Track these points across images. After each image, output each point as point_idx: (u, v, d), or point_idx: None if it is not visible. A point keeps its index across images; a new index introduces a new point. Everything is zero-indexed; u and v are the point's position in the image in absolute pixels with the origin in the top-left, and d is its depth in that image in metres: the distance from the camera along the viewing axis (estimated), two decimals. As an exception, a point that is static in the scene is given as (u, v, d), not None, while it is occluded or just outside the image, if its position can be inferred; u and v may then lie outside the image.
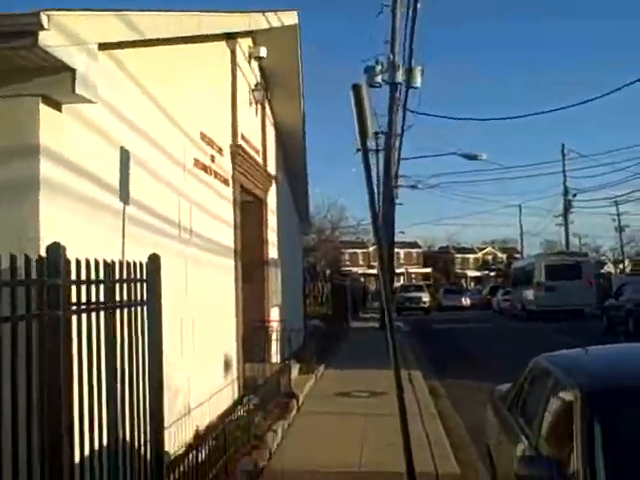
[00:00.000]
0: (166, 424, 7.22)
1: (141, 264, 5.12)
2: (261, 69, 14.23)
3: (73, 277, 4.14)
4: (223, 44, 11.36)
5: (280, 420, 9.58)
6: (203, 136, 9.82)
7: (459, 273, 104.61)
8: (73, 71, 5.16)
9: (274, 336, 13.89)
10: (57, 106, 5.45)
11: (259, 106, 14.20)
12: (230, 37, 11.55)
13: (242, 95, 12.44)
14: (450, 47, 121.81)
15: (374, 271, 75.90)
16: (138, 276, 5.04)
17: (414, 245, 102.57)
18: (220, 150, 10.79)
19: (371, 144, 38.71)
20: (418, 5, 22.65)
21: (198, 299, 9.29)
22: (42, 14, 4.68)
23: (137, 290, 4.99)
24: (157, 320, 5.04)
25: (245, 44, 12.77)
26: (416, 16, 23.48)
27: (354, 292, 40.12)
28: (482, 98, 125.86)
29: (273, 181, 15.35)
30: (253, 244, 14.06)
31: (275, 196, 16.20)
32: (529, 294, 37.35)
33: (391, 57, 26.47)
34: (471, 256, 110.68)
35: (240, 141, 12.14)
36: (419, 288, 52.34)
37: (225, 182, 11.09)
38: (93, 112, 6.03)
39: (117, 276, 4.70)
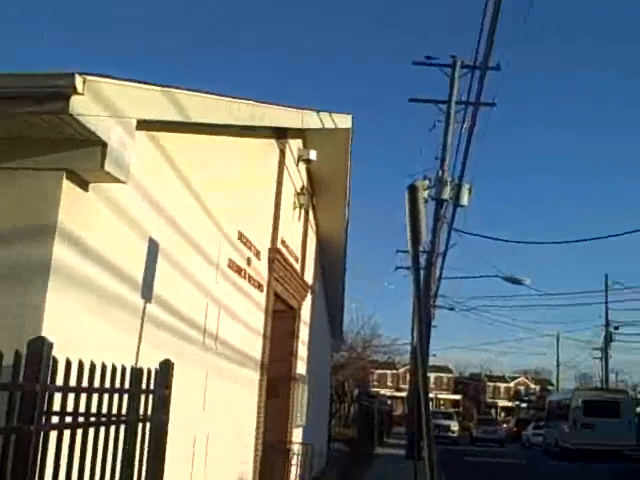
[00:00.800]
0: None
1: (149, 372, 4.37)
2: (308, 173, 13.84)
3: (60, 382, 3.41)
4: (273, 142, 10.97)
5: None
6: (241, 236, 9.25)
7: (490, 402, 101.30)
8: (104, 145, 4.61)
9: (294, 460, 12.81)
10: (83, 184, 4.89)
11: (302, 211, 13.72)
12: (280, 136, 11.17)
13: (286, 198, 11.96)
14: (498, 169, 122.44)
15: (402, 394, 73.68)
16: (144, 386, 4.29)
17: (445, 369, 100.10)
18: (257, 253, 10.19)
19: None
20: (475, 128, 22.41)
21: (216, 414, 8.45)
22: (77, 76, 4.17)
23: (141, 403, 4.22)
24: (161, 442, 4.25)
25: (295, 145, 12.40)
26: (472, 135, 23.32)
27: (381, 415, 38.54)
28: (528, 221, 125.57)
29: (309, 291, 14.67)
30: (281, 357, 13.23)
31: (310, 307, 15.48)
32: (565, 430, 35.52)
33: (440, 173, 26.17)
34: (503, 385, 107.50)
35: (279, 246, 11.56)
36: (448, 416, 50.31)
37: (259, 287, 10.43)
38: (123, 194, 5.46)
39: (118, 384, 3.96)
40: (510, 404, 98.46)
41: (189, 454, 7.52)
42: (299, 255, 13.81)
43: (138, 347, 5.99)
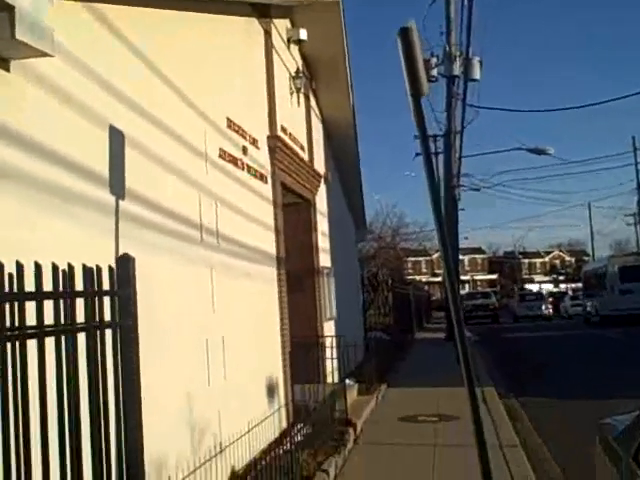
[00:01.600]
0: (191, 467, 5.79)
1: (111, 270, 3.64)
2: (303, 56, 12.78)
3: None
4: (254, 22, 9.93)
5: (333, 456, 8.01)
6: (231, 123, 8.38)
7: (526, 278, 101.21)
8: (11, 8, 3.75)
9: (328, 353, 12.31)
10: (1, 62, 4.05)
11: (302, 97, 12.73)
12: (262, 14, 10.13)
13: (280, 83, 10.98)
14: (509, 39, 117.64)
15: (438, 279, 73.70)
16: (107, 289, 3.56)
17: (478, 251, 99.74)
18: (254, 141, 9.34)
19: (429, 145, 37.02)
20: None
21: (230, 315, 7.83)
22: None
23: (102, 307, 3.51)
24: (131, 349, 3.56)
25: (282, 26, 11.34)
26: (472, 4, 21.77)
27: (418, 301, 38.28)
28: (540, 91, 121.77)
29: (322, 181, 13.84)
30: (301, 251, 12.58)
31: (325, 198, 14.70)
32: (603, 298, 35.00)
33: (447, 48, 24.71)
34: (538, 260, 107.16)
35: (280, 133, 10.68)
36: (486, 295, 50.08)
37: (262, 179, 9.62)
38: (62, 75, 4.63)
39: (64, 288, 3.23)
40: (547, 278, 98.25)
41: (202, 360, 6.93)
42: (305, 144, 12.92)
43: (117, 249, 5.28)
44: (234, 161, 8.39)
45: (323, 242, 13.87)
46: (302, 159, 11.99)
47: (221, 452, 6.74)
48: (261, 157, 9.65)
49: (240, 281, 8.31)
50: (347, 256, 18.18)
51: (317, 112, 14.36)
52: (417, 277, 70.28)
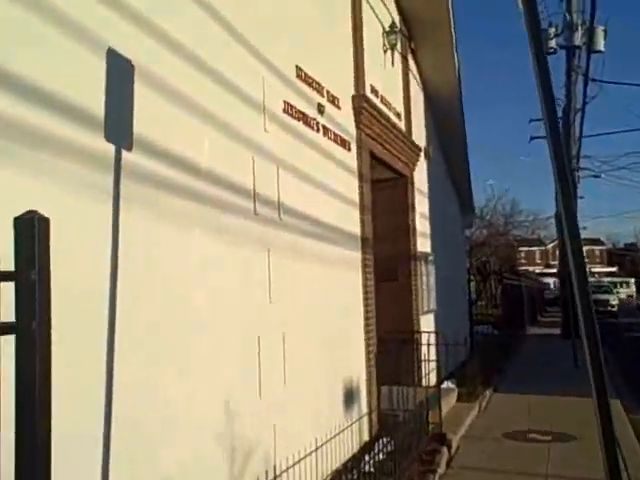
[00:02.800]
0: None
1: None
2: (400, 10, 11.09)
3: None
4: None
5: (420, 484, 6.39)
6: (301, 73, 6.85)
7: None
8: None
9: (425, 352, 10.63)
10: None
11: (399, 57, 11.06)
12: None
13: (371, 36, 9.37)
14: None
15: (553, 270, 69.91)
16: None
17: (597, 242, 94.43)
18: (334, 100, 7.78)
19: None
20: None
21: (294, 306, 6.34)
22: None
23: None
24: (38, 359, 2.07)
25: (375, -28, 9.69)
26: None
27: (531, 293, 35.70)
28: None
29: (421, 155, 12.12)
30: (395, 233, 10.94)
31: (426, 175, 12.96)
32: None
33: (567, 16, 22.26)
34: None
35: (369, 94, 9.08)
36: (606, 289, 46.59)
37: (344, 145, 8.05)
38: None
39: None
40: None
41: (251, 364, 5.46)
42: (402, 111, 11.24)
43: (115, 224, 3.86)
44: (305, 120, 6.86)
45: (422, 225, 12.16)
46: (397, 127, 10.33)
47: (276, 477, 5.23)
48: (343, 119, 8.08)
49: (309, 265, 6.78)
50: (451, 242, 16.35)
51: (417, 77, 12.62)
52: (530, 267, 66.83)
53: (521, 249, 58.90)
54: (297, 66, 6.76)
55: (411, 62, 11.99)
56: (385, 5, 10.20)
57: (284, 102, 6.39)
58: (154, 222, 4.29)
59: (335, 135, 7.73)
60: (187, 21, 4.86)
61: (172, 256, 4.47)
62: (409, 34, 11.67)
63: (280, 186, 6.13)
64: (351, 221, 8.26)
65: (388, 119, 9.78)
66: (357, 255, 8.42)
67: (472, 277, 23.21)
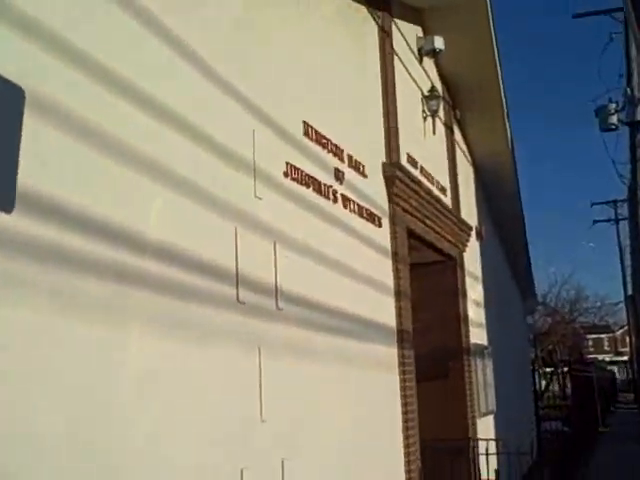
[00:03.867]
0: None
1: None
2: (442, 76, 9.81)
3: None
4: (363, 10, 7.12)
5: None
6: (310, 131, 5.50)
7: None
8: None
9: (482, 463, 8.80)
10: None
11: (442, 126, 9.71)
12: (376, 5, 7.33)
13: (407, 100, 8.06)
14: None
15: (623, 358, 65.74)
16: None
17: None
18: (358, 166, 6.40)
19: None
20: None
21: (299, 423, 4.78)
22: None
23: None
24: None
25: (410, 31, 8.47)
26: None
27: (601, 384, 32.83)
28: None
29: (472, 234, 10.57)
30: (443, 324, 9.30)
31: (478, 257, 11.37)
32: None
33: (628, 91, 20.72)
34: None
35: (405, 164, 7.70)
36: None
37: (373, 220, 6.62)
38: None
39: None
40: None
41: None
42: (447, 185, 9.80)
43: None
44: (317, 187, 5.47)
45: (475, 313, 10.49)
46: (441, 202, 8.86)
47: None
48: (371, 190, 6.67)
49: (325, 368, 5.25)
50: (511, 331, 14.51)
51: (464, 150, 11.21)
52: (598, 356, 62.85)
53: (588, 337, 55.54)
54: (305, 122, 5.43)
55: (457, 133, 10.62)
56: (424, 69, 8.93)
57: (286, 164, 5.03)
58: (56, 316, 2.88)
59: (359, 207, 6.31)
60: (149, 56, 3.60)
61: (87, 363, 3.04)
62: (453, 102, 10.35)
63: (279, 267, 4.69)
64: (384, 311, 6.73)
65: (430, 192, 8.33)
66: (392, 351, 6.84)
67: (537, 368, 21.05)
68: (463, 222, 9.92)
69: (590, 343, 63.38)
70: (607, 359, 65.62)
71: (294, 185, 5.13)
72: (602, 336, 73.49)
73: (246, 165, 4.49)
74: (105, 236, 3.20)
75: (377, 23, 7.40)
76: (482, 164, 11.86)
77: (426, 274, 9.32)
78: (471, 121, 10.85)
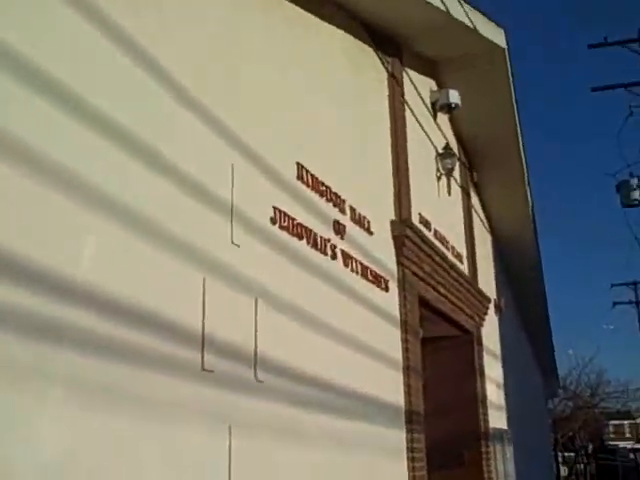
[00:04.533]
0: None
1: None
2: (458, 136, 9.14)
3: None
4: (371, 53, 6.48)
5: None
6: (304, 175, 4.75)
7: None
8: None
9: None
10: None
11: (457, 188, 8.98)
12: (384, 47, 6.70)
13: (419, 156, 7.36)
14: None
15: (646, 446, 62.93)
16: None
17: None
18: (362, 221, 5.62)
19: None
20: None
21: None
22: None
23: None
24: None
25: (422, 84, 7.84)
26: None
27: (626, 472, 30.98)
28: None
29: (491, 307, 9.69)
30: (458, 405, 8.33)
31: (497, 332, 10.45)
32: None
33: (651, 166, 20.07)
34: None
35: (417, 224, 6.92)
36: None
37: (377, 281, 5.79)
38: None
39: None
40: None
41: None
42: (464, 252, 8.99)
43: None
44: (311, 238, 4.68)
45: (494, 394, 9.49)
46: (457, 269, 8.02)
47: None
48: (377, 248, 5.87)
49: (316, 454, 4.34)
50: (533, 415, 13.38)
51: (481, 216, 10.45)
52: (619, 443, 60.20)
53: (609, 423, 53.35)
54: (299, 164, 4.68)
55: (474, 197, 9.87)
56: (438, 125, 8.25)
57: (274, 209, 4.25)
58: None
59: (363, 267, 5.49)
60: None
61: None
62: (470, 164, 9.64)
63: (260, 329, 3.86)
64: (390, 388, 5.82)
65: (444, 257, 7.52)
66: (400, 435, 5.89)
67: (558, 454, 19.69)
68: (481, 293, 9.06)
69: (611, 429, 60.97)
70: (628, 446, 62.90)
71: (284, 235, 4.34)
72: (624, 422, 70.81)
73: (221, 205, 3.72)
74: (21, 281, 2.42)
75: (386, 69, 6.75)
76: (501, 232, 11.07)
77: (440, 349, 8.43)
78: (489, 185, 10.12)
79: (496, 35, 7.80)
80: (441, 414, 7.91)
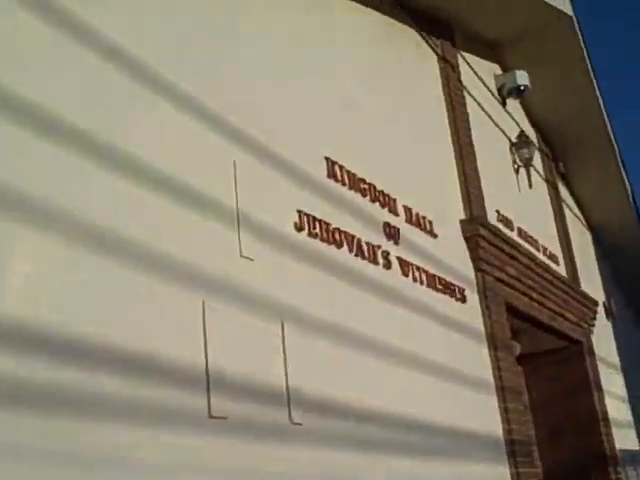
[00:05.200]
0: None
1: None
2: (536, 124, 8.22)
3: None
4: (414, 36, 5.75)
5: None
6: (338, 170, 4.03)
7: None
8: None
9: None
10: None
11: (544, 183, 8.04)
12: (430, 29, 5.96)
13: (490, 148, 6.52)
14: None
15: None
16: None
17: None
18: (420, 221, 4.83)
19: None
20: None
21: None
22: None
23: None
24: None
25: (485, 68, 7.03)
26: None
27: None
28: None
29: (599, 310, 8.58)
30: (572, 427, 7.27)
31: (612, 339, 9.29)
32: None
33: None
34: None
35: (495, 223, 6.07)
36: None
37: (449, 291, 4.95)
38: None
39: None
40: None
41: None
42: (559, 253, 7.98)
43: None
44: (354, 245, 3.94)
45: (616, 410, 8.32)
46: (551, 271, 7.05)
47: None
48: (445, 253, 5.04)
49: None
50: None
51: (577, 213, 9.39)
52: None
53: None
54: (328, 159, 3.97)
55: (563, 190, 8.85)
56: (508, 113, 7.38)
57: (299, 213, 3.55)
58: None
59: (428, 275, 4.68)
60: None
61: None
62: (553, 154, 8.66)
63: (290, 357, 3.14)
64: (479, 415, 4.93)
65: (533, 258, 6.57)
66: (501, 470, 4.98)
67: None
68: (585, 296, 7.99)
69: None
70: None
71: (316, 243, 3.62)
72: None
73: (226, 212, 3.06)
74: None
75: (436, 52, 5.99)
76: (601, 227, 9.94)
77: (545, 365, 7.46)
78: (579, 176, 9.07)
79: (559, 1, 6.92)
80: (556, 440, 6.94)
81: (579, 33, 7.19)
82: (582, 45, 7.32)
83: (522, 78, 7.24)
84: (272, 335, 3.12)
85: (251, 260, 3.11)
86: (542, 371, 7.42)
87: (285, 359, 3.13)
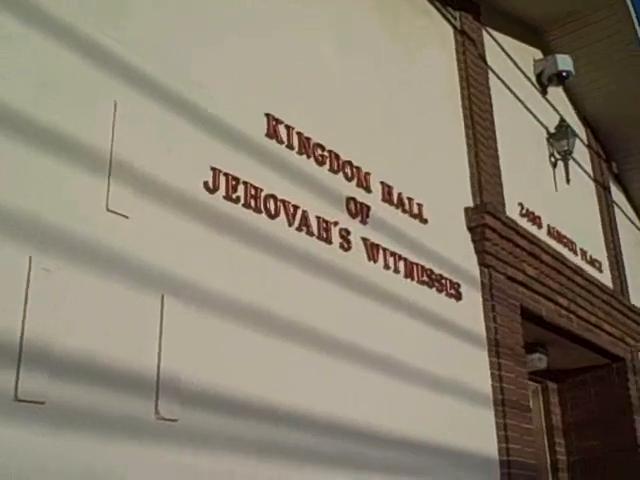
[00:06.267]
0: None
1: None
2: (585, 119, 7.26)
3: None
4: (426, 5, 4.99)
5: None
6: (277, 127, 3.31)
7: None
8: None
9: None
10: None
11: (595, 185, 7.08)
12: (456, 4, 5.21)
13: (518, 136, 5.68)
14: None
15: None
16: None
17: None
18: (405, 202, 4.07)
19: None
20: None
21: None
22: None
23: None
24: None
25: (524, 53, 6.18)
26: None
27: None
28: None
29: (651, 327, 7.46)
30: (610, 455, 6.25)
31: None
32: None
33: None
34: None
35: (517, 216, 5.22)
36: None
37: (440, 286, 4.15)
38: None
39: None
40: None
41: None
42: (604, 259, 6.97)
43: None
44: (296, 219, 3.24)
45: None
46: (587, 277, 6.08)
47: None
48: (437, 242, 4.25)
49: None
50: None
51: (634, 219, 8.29)
52: None
53: None
54: (270, 115, 3.29)
55: (616, 192, 7.81)
56: (551, 104, 6.48)
57: (213, 170, 2.89)
58: None
59: (408, 263, 3.91)
60: None
61: None
62: (605, 153, 7.64)
63: (167, 338, 2.47)
64: (470, 432, 4.10)
65: (562, 259, 5.64)
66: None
67: None
68: (632, 309, 6.93)
69: None
70: None
71: (235, 208, 2.95)
72: None
73: (94, 159, 2.44)
74: None
75: (452, 24, 5.21)
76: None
77: (582, 384, 6.48)
78: (637, 179, 8.00)
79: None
80: (593, 469, 5.99)
81: (631, 8, 6.22)
82: (635, 24, 6.35)
83: (564, 63, 6.35)
84: (146, 310, 2.46)
85: (124, 217, 2.48)
86: (577, 390, 6.46)
87: (160, 340, 2.46)
